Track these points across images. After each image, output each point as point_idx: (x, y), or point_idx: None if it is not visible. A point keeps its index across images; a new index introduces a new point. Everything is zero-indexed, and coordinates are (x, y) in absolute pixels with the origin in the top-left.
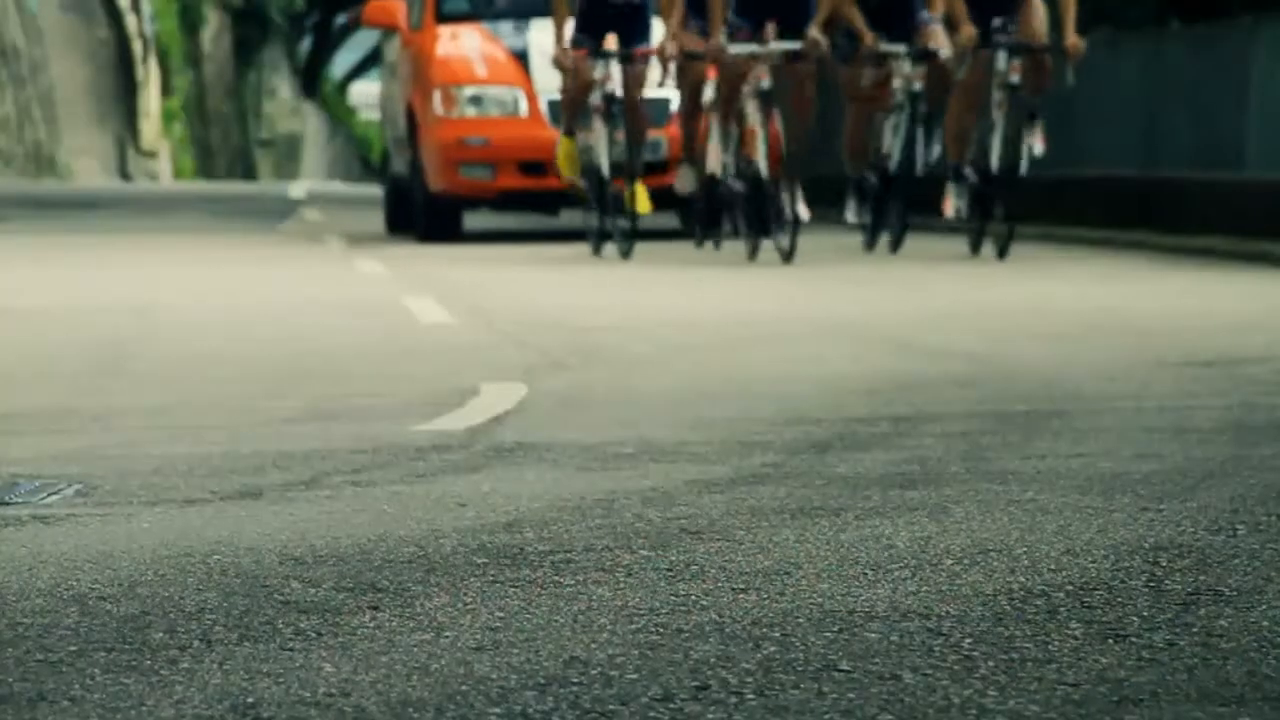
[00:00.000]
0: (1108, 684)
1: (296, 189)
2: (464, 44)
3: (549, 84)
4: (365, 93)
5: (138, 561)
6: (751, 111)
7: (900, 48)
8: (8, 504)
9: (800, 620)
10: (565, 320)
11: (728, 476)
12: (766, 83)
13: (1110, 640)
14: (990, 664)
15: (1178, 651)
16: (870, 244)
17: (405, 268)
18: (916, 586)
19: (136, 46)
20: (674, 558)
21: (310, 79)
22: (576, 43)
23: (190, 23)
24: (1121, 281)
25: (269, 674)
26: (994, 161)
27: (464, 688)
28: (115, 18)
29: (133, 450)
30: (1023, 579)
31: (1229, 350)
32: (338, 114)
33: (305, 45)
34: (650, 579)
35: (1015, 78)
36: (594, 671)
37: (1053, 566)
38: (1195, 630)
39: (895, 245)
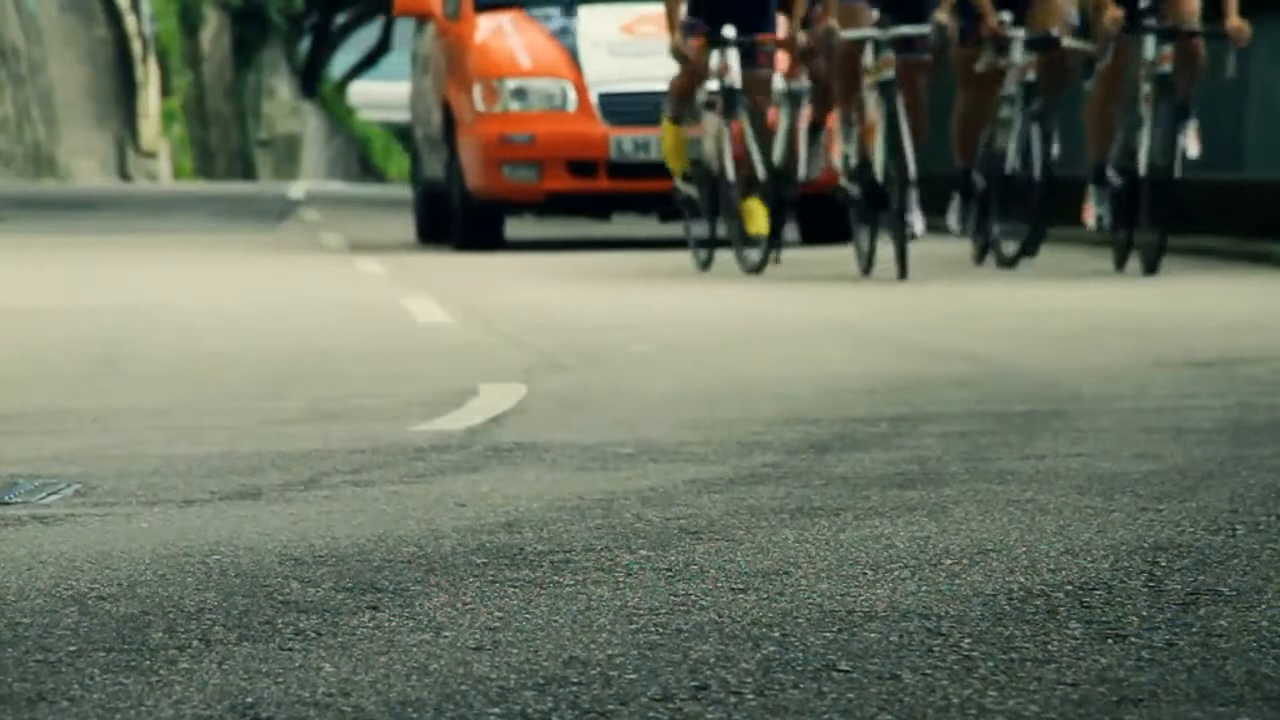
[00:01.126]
0: (1107, 684)
1: (296, 189)
2: (506, 33)
3: (601, 75)
4: (365, 92)
5: (137, 561)
6: (873, 105)
7: (1021, 32)
8: (7, 504)
9: (799, 620)
10: (564, 320)
11: (727, 477)
12: (890, 73)
13: (1110, 640)
14: (990, 664)
15: (1177, 651)
16: (978, 256)
17: (404, 268)
18: (916, 586)
19: (136, 46)
20: (673, 558)
21: (309, 79)
22: (690, 28)
23: (190, 23)
24: (1122, 281)
25: (268, 674)
26: (1142, 163)
27: (463, 687)
28: (114, 18)
29: (132, 450)
30: (1022, 579)
31: (1228, 350)
32: (337, 114)
33: (305, 45)
34: (649, 579)
35: (1166, 67)
36: (593, 671)
37: (1052, 566)
38: (1195, 630)
39: (1014, 259)
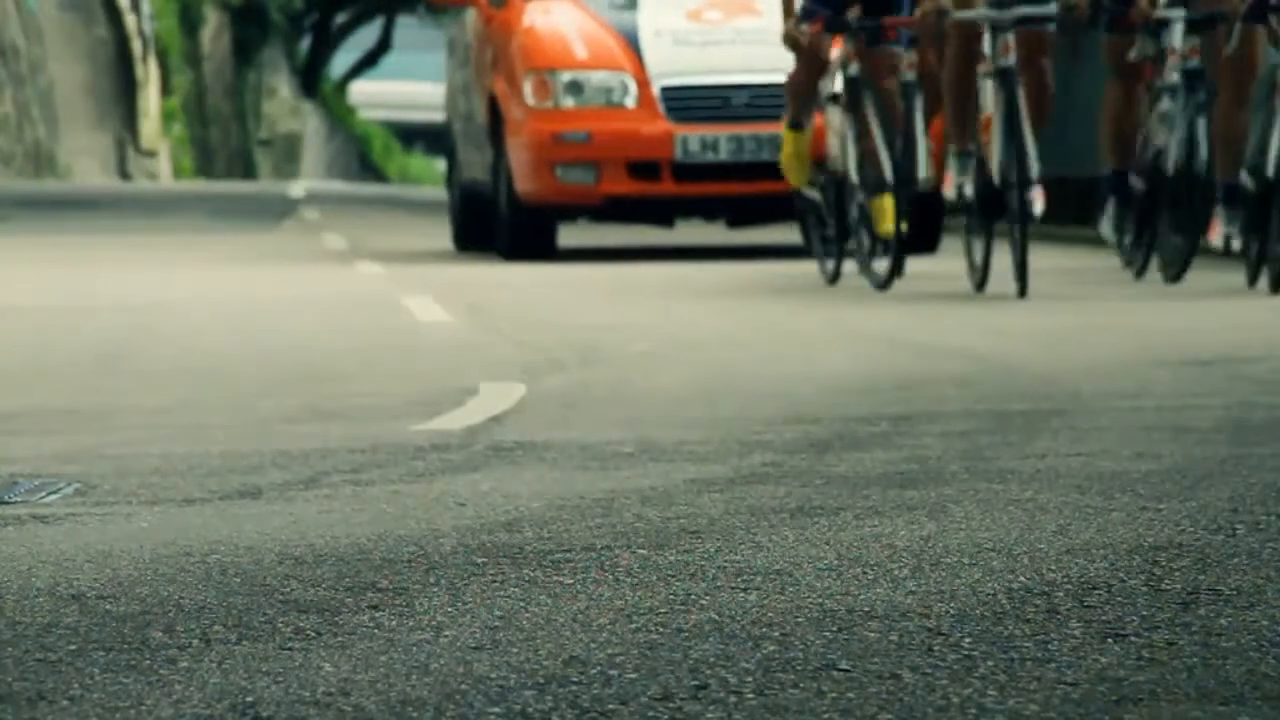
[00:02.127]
0: (1107, 683)
1: (296, 188)
2: (559, 21)
3: (664, 66)
4: (365, 92)
5: (137, 561)
6: (989, 96)
7: (1179, 12)
8: (7, 503)
9: (799, 619)
10: (564, 319)
11: (727, 476)
12: (1010, 59)
13: (1110, 639)
14: (990, 663)
15: (1177, 651)
16: (1139, 269)
17: (404, 267)
18: (916, 586)
19: (136, 46)
20: (673, 557)
21: (310, 79)
22: (809, 13)
23: (190, 22)
24: (1121, 280)
25: (268, 673)
26: (1272, 165)
27: (463, 687)
28: (114, 17)
29: (132, 450)
30: (1022, 578)
31: (1228, 350)
32: (337, 114)
33: (305, 44)
34: (650, 578)
35: None
36: (593, 670)
37: (1052, 566)
38: (1195, 630)
39: (1178, 272)
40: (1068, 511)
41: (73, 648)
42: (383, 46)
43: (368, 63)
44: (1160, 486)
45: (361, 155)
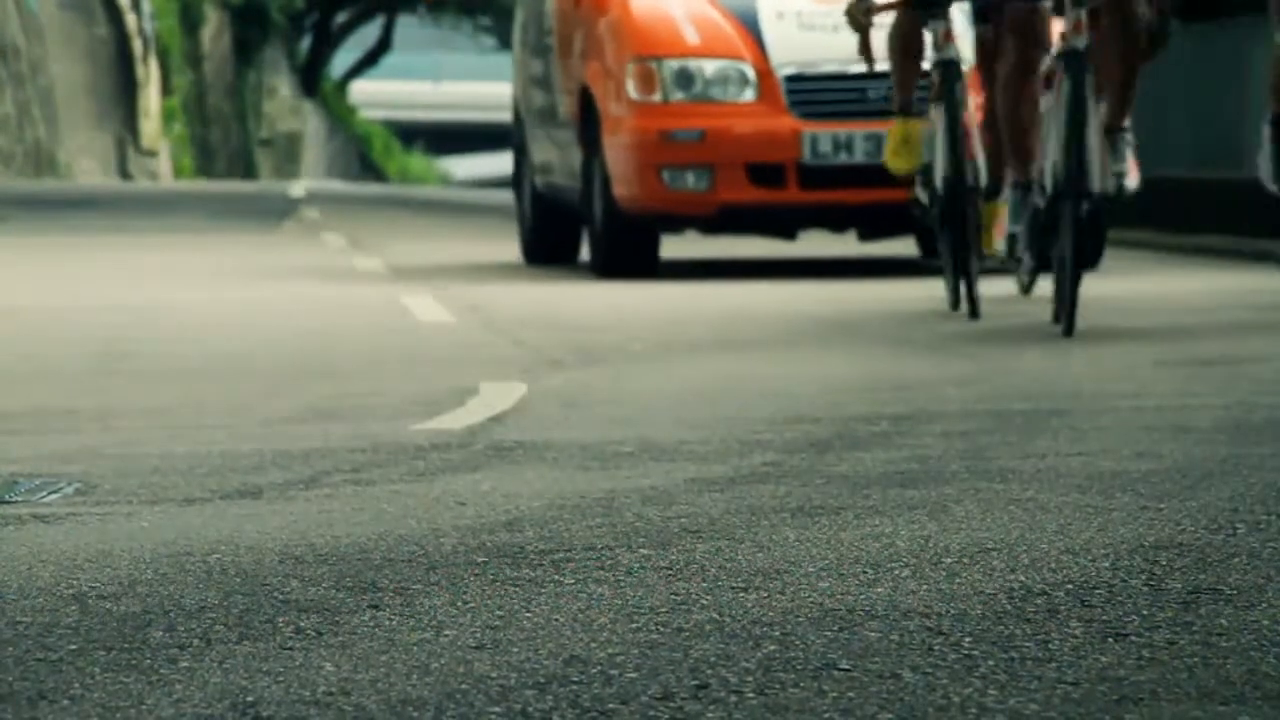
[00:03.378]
0: (1107, 683)
1: (296, 188)
2: (665, 0)
3: (789, 53)
4: (365, 91)
5: (137, 560)
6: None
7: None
8: (7, 503)
9: (800, 619)
10: (564, 319)
11: (727, 475)
12: (1083, 40)
13: (1110, 639)
14: (990, 663)
15: (1178, 650)
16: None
17: (404, 267)
18: (916, 585)
19: (136, 45)
20: (674, 556)
21: (310, 78)
22: None
23: (190, 22)
24: (1122, 280)
25: (269, 673)
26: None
27: (464, 686)
28: (115, 16)
29: (132, 449)
30: (1023, 578)
31: (1229, 350)
32: (338, 113)
33: (305, 44)
34: (650, 578)
35: None
36: (594, 670)
37: (1052, 565)
38: (1195, 629)
39: None
40: (1068, 511)
41: (73, 647)
42: (383, 46)
43: (368, 62)
44: (1160, 486)
45: (362, 155)
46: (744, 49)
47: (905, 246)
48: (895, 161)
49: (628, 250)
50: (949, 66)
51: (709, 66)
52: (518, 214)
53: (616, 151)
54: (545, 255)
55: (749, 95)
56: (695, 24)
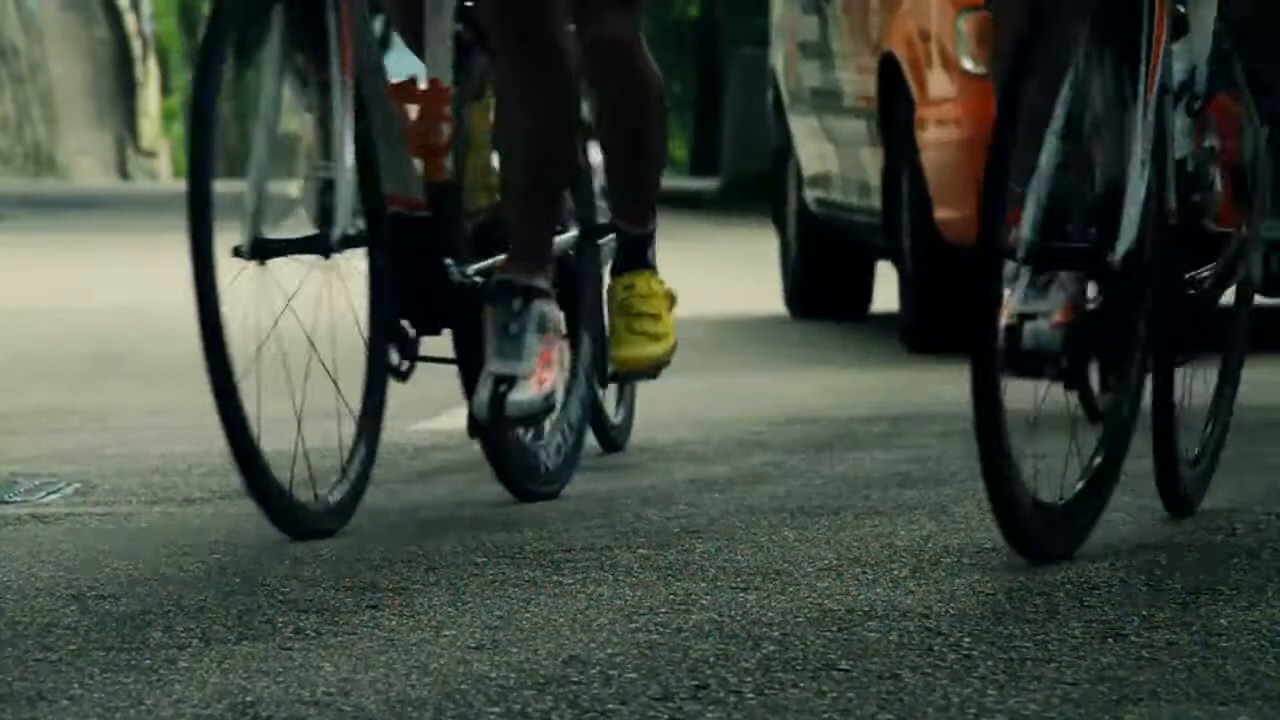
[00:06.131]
0: (1107, 683)
1: (296, 188)
2: None
3: None
4: None
5: (137, 560)
6: None
7: None
8: (6, 503)
9: (799, 619)
10: None
11: (727, 475)
12: None
13: (1110, 639)
14: (989, 663)
15: (1177, 650)
16: None
17: None
18: (916, 585)
19: (136, 45)
20: (673, 557)
21: None
22: None
23: (190, 22)
24: None
25: (268, 673)
26: None
27: (463, 686)
28: (114, 17)
29: (132, 449)
30: (1022, 578)
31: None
32: None
33: None
34: (649, 578)
35: None
36: (593, 670)
37: (1052, 566)
38: (1195, 630)
39: None
40: None
41: (73, 647)
42: (382, 45)
43: None
44: None
45: None
46: None
47: None
48: None
49: (954, 301)
50: None
51: None
52: (779, 245)
53: (939, 153)
54: (823, 305)
55: None
56: None
